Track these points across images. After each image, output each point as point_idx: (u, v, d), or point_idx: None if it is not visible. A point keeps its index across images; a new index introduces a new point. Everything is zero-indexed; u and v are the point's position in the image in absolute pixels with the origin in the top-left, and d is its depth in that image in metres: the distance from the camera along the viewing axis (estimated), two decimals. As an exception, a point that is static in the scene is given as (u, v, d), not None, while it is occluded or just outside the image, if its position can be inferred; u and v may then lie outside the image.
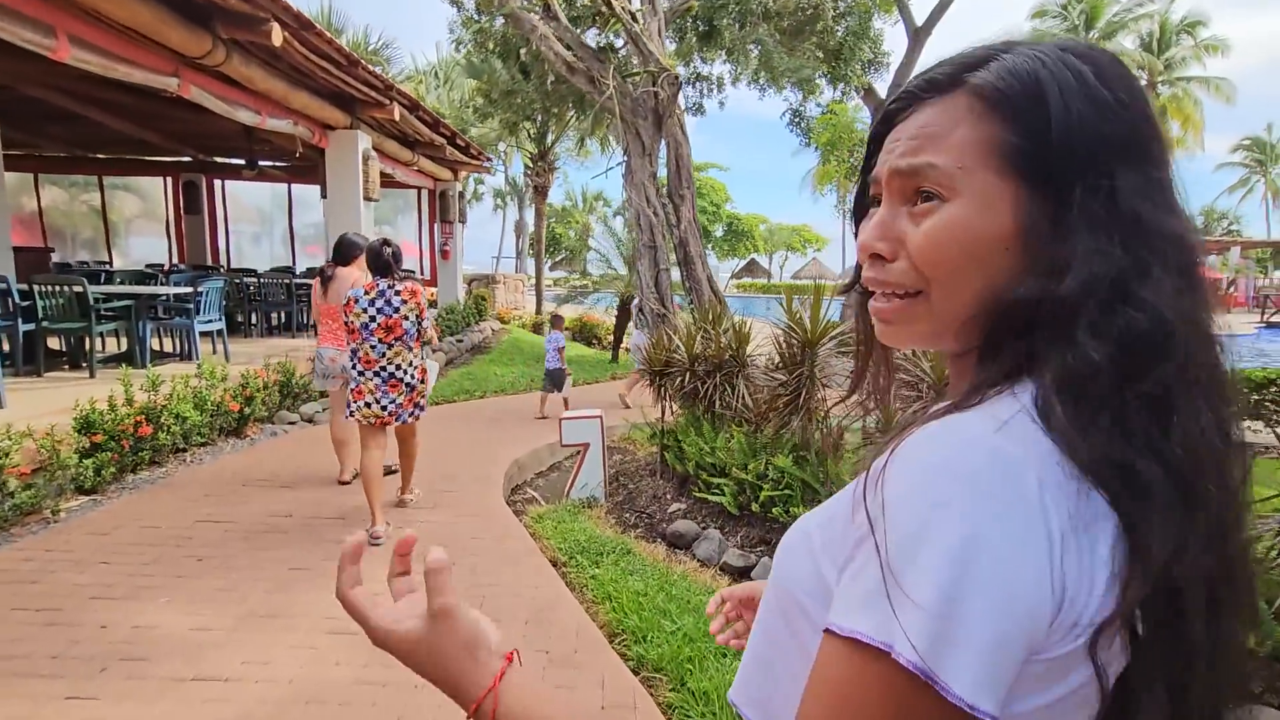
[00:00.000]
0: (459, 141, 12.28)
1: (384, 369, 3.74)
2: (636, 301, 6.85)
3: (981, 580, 0.39)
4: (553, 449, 6.18)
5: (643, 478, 5.34)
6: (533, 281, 21.39)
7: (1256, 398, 7.59)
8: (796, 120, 10.63)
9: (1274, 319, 22.83)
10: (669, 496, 4.95)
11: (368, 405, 3.74)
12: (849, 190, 10.72)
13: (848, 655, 0.42)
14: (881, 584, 0.41)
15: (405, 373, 3.82)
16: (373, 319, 3.65)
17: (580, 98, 15.31)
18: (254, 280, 9.42)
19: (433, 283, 14.40)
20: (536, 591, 3.15)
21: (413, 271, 14.27)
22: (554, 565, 3.68)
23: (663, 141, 6.89)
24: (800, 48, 9.90)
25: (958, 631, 0.38)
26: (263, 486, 4.41)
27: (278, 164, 12.38)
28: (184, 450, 4.99)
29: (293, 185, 13.62)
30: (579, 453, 4.97)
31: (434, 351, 4.87)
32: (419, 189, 13.95)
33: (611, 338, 14.52)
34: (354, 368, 3.77)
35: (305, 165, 12.16)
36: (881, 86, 12.42)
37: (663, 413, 5.13)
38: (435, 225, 13.87)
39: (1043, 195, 0.48)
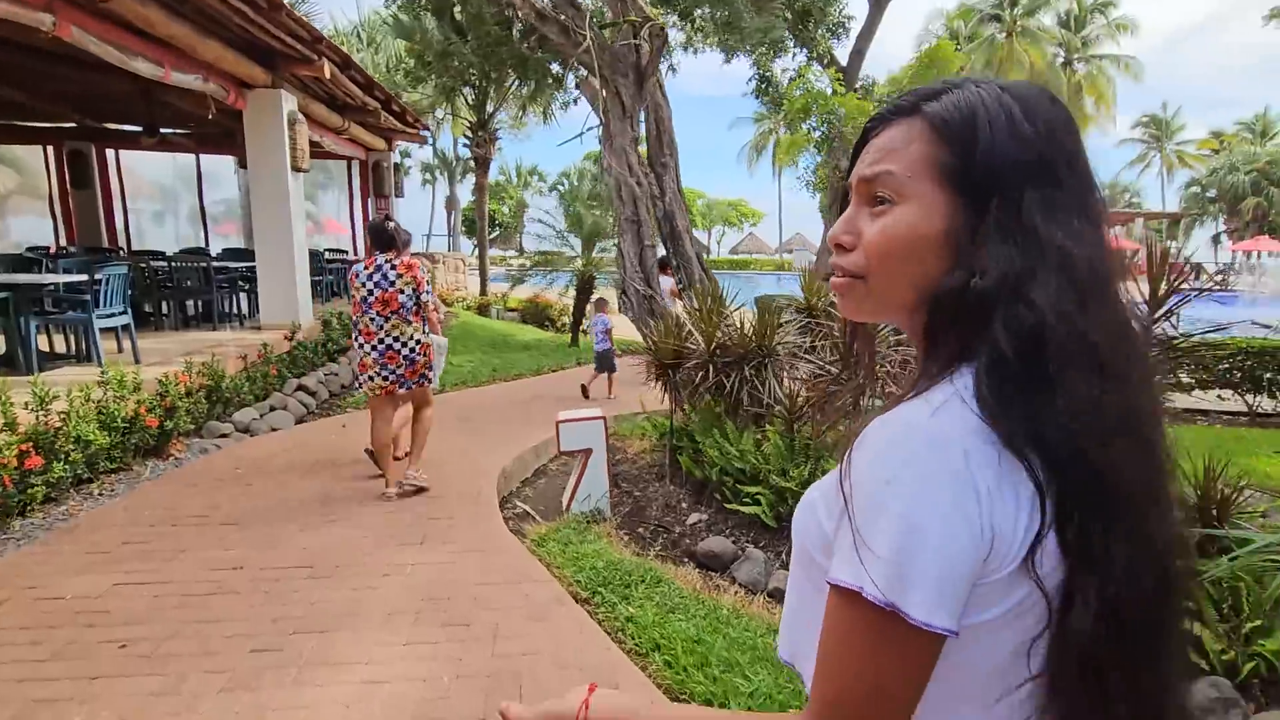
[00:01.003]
0: (394, 107, 11.13)
1: (382, 340, 3.88)
2: (619, 283, 6.17)
3: (923, 534, 0.53)
4: (538, 451, 5.48)
5: (648, 482, 4.74)
6: (473, 262, 20.26)
7: (1226, 365, 7.68)
8: (764, 87, 10.07)
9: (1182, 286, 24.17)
10: (684, 505, 4.37)
11: (370, 379, 3.95)
12: (822, 161, 10.28)
13: (837, 600, 0.57)
14: (855, 547, 0.55)
15: (403, 345, 3.92)
16: (370, 293, 3.82)
17: (523, 61, 14.26)
18: (164, 264, 8.15)
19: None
20: (583, 655, 2.51)
21: (346, 252, 13.02)
22: (575, 602, 3.05)
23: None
24: (768, 6, 9.30)
25: (909, 573, 0.52)
26: (198, 525, 3.54)
27: (182, 131, 10.87)
28: (90, 481, 4.02)
29: (201, 156, 12.06)
30: (580, 460, 4.31)
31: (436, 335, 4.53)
32: (349, 160, 12.66)
33: (569, 319, 13.77)
34: (356, 340, 3.93)
35: (217, 133, 10.74)
36: (842, 54, 12.01)
37: (672, 410, 4.52)
38: (369, 200, 12.65)
39: (968, 206, 0.60)
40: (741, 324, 4.05)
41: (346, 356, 7.75)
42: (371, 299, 3.84)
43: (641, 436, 5.57)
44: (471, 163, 40.71)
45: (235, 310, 8.54)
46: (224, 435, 5.20)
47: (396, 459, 4.35)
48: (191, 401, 4.93)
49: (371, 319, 3.85)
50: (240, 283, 8.74)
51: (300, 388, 6.54)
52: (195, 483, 4.18)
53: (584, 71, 6.77)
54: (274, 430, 5.61)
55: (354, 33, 19.00)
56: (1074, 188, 0.59)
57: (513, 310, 15.81)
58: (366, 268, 3.88)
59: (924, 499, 0.53)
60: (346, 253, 12.98)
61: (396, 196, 12.94)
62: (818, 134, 10.08)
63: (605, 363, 7.29)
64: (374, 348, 3.88)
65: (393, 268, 3.85)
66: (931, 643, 0.54)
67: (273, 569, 3.02)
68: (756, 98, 10.22)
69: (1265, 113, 43.90)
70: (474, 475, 4.55)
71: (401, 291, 3.85)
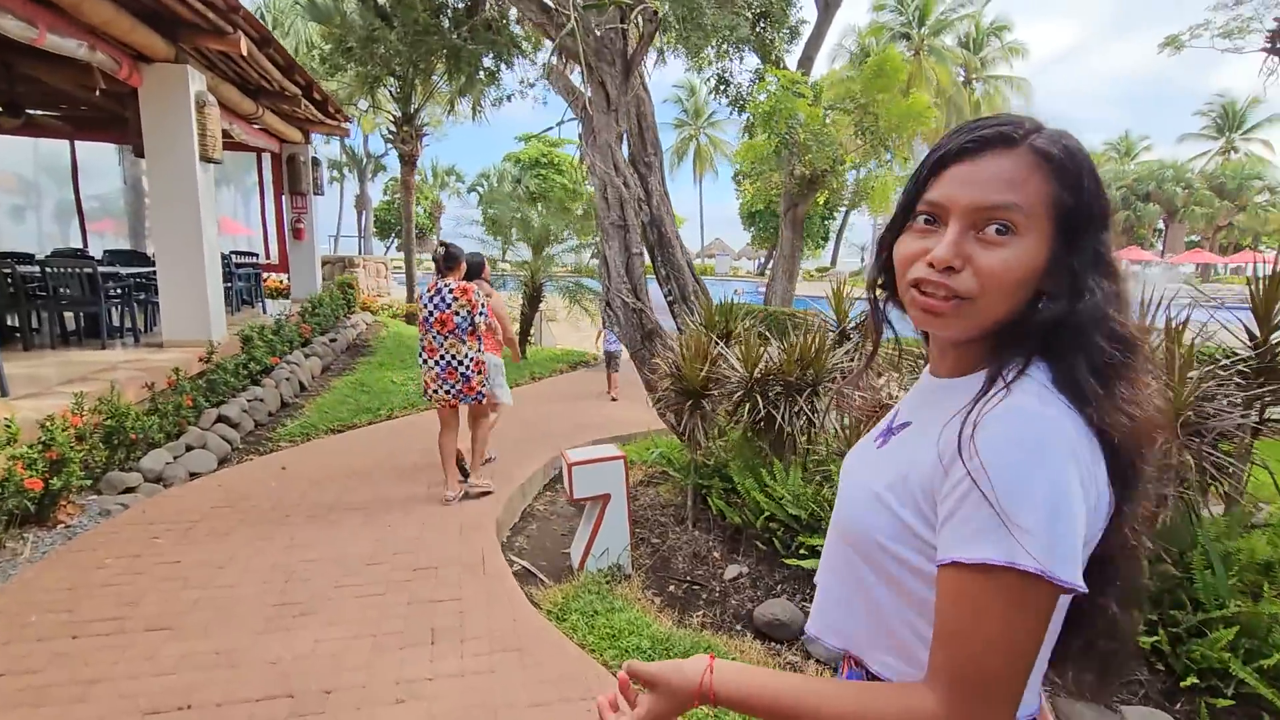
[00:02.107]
0: (316, 95, 9.98)
1: (442, 358, 4.24)
2: (604, 294, 5.52)
3: (1064, 507, 0.62)
4: (524, 489, 4.74)
5: (666, 526, 4.12)
6: (396, 265, 18.91)
7: None
8: (722, 87, 9.68)
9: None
10: (716, 555, 3.79)
11: (435, 392, 4.27)
12: (777, 167, 9.99)
13: (976, 576, 0.63)
14: (997, 522, 0.62)
15: (460, 363, 4.25)
16: (431, 314, 4.20)
17: (455, 52, 13.27)
18: (34, 269, 6.74)
19: (282, 267, 11.81)
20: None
21: (256, 255, 11.58)
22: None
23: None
24: (729, 5, 8.89)
25: (1057, 541, 0.61)
26: (110, 634, 2.61)
27: (53, 113, 9.24)
28: (-57, 569, 2.97)
29: (77, 142, 10.34)
30: (596, 508, 3.65)
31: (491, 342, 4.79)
32: (260, 152, 11.26)
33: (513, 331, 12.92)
34: (420, 356, 4.31)
35: (98, 116, 9.17)
36: (791, 60, 11.83)
37: (695, 445, 3.93)
38: (282, 197, 11.30)
39: (1060, 241, 0.70)
40: (791, 349, 3.52)
41: (271, 378, 6.66)
42: (432, 319, 4.21)
43: (648, 466, 4.95)
44: (382, 160, 38.55)
45: (128, 325, 7.20)
46: (130, 489, 4.14)
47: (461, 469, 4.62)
48: (86, 449, 3.87)
49: (434, 336, 4.24)
50: (136, 292, 7.40)
51: (221, 419, 5.47)
52: (99, 562, 3.19)
53: (555, 59, 6.08)
54: (194, 476, 4.58)
55: (256, 13, 17.23)
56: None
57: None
58: (429, 290, 4.26)
59: (1060, 477, 0.63)
60: (257, 256, 11.53)
61: (315, 194, 11.65)
62: (777, 139, 9.78)
63: (614, 362, 8.02)
64: (436, 363, 4.25)
65: (450, 291, 4.21)
66: (1056, 603, 0.65)
67: (234, 705, 2.18)
68: (715, 98, 9.79)
69: (1127, 135, 48.80)
70: (466, 531, 3.78)
71: (457, 314, 4.20)
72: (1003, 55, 39.25)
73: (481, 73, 15.22)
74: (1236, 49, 16.22)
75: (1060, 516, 0.61)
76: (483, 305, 4.28)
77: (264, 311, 9.96)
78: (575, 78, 6.00)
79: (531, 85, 15.92)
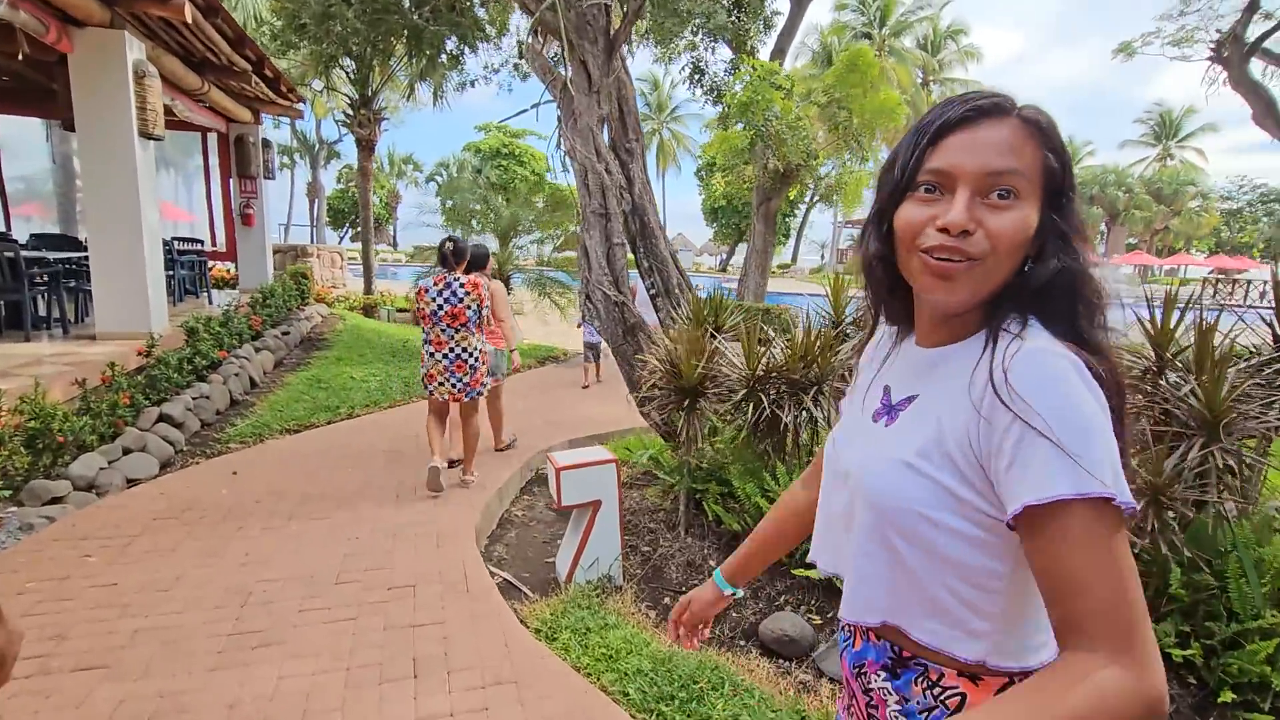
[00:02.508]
0: (267, 71, 9.39)
1: (451, 350, 4.26)
2: (583, 287, 5.24)
3: (1109, 436, 0.65)
4: (501, 494, 4.44)
5: (656, 532, 3.89)
6: (352, 256, 18.22)
7: None
8: (697, 76, 9.45)
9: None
10: (713, 564, 3.57)
11: (440, 385, 4.29)
12: (750, 159, 9.84)
13: (1058, 517, 0.64)
14: (1059, 455, 0.63)
15: (469, 355, 4.30)
16: (440, 307, 4.21)
17: (416, 33, 12.73)
18: (-55, 254, 6.06)
19: (229, 255, 11.14)
20: None
21: (201, 241, 10.88)
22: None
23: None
24: (705, -9, 8.68)
25: (1117, 468, 0.64)
26: (35, 675, 2.23)
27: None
28: None
29: (-2, 116, 9.49)
30: (585, 516, 3.39)
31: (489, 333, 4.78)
32: (205, 131, 10.57)
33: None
34: (427, 349, 4.31)
35: (18, 87, 8.41)
36: (763, 53, 11.68)
37: (688, 446, 3.70)
38: (229, 181, 10.62)
39: (1049, 206, 0.75)
40: (797, 346, 3.31)
41: (219, 373, 6.17)
42: (441, 313, 4.25)
43: (636, 468, 4.71)
44: (336, 147, 37.20)
45: (56, 315, 6.58)
46: (57, 499, 3.68)
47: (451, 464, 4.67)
48: (5, 454, 3.42)
49: (442, 330, 4.27)
50: (65, 279, 6.78)
51: (163, 419, 4.99)
52: (19, 586, 2.77)
53: (532, 38, 5.74)
54: (132, 484, 4.13)
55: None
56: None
57: (403, 311, 14.14)
58: (436, 284, 4.28)
59: (1097, 408, 0.66)
60: (202, 242, 10.82)
61: (266, 178, 11.00)
62: (752, 131, 9.62)
63: (597, 352, 8.27)
64: (444, 356, 4.28)
65: (461, 285, 4.28)
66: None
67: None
68: (689, 88, 9.56)
69: (1072, 140, 50.68)
70: (444, 541, 3.47)
71: (469, 307, 4.28)
72: (959, 58, 40.13)
73: (444, 56, 14.72)
74: (1185, 57, 16.79)
75: (1110, 443, 0.64)
76: (488, 299, 4.41)
77: (210, 302, 9.34)
78: (557, 66, 5.69)
79: (496, 71, 15.46)
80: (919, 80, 39.35)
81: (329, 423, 5.85)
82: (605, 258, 5.23)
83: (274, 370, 7.60)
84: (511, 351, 5.13)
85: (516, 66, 15.40)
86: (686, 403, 3.63)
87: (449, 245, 4.33)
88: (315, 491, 4.06)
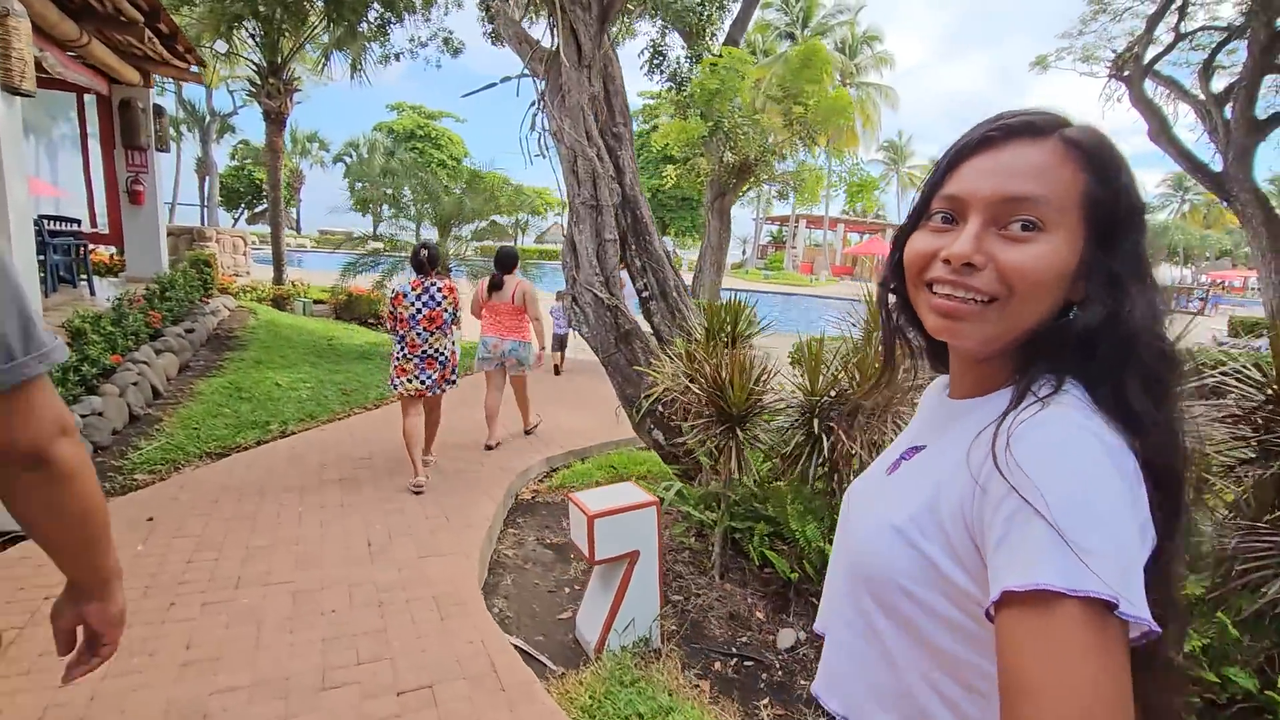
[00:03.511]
0: (162, 25, 8.07)
1: (424, 351, 4.37)
2: (569, 287, 4.62)
3: (1127, 529, 0.53)
4: (489, 534, 3.78)
5: (686, 578, 3.36)
6: (258, 240, 16.56)
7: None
8: (658, 61, 8.91)
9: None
10: (761, 616, 3.10)
11: (409, 381, 4.35)
12: (705, 153, 9.47)
13: (1036, 609, 0.51)
14: (1055, 539, 0.51)
15: (439, 354, 4.42)
16: (419, 311, 4.33)
17: (338, -4, 11.50)
18: None
19: (113, 239, 9.60)
20: None
21: (78, 222, 9.28)
22: None
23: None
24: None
25: (1129, 568, 0.52)
26: None
27: None
28: None
29: None
30: (621, 569, 2.82)
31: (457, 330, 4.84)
32: (82, 92, 9.02)
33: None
34: (400, 350, 4.37)
35: None
36: (715, 44, 11.32)
37: (727, 479, 3.20)
38: (114, 152, 9.13)
39: (1093, 240, 0.62)
40: (864, 362, 2.87)
41: (114, 382, 5.10)
42: (419, 316, 4.32)
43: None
44: (230, 120, 33.92)
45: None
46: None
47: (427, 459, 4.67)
48: None
49: (419, 333, 4.34)
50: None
51: (43, 447, 3.96)
52: None
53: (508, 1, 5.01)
54: (5, 540, 3.16)
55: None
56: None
57: (321, 303, 12.81)
58: (414, 288, 4.36)
59: (1117, 494, 0.54)
60: (79, 223, 9.23)
61: (159, 150, 9.56)
62: (712, 122, 9.22)
63: (561, 343, 8.55)
64: (417, 356, 4.35)
65: (439, 290, 4.40)
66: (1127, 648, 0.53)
67: None
68: (648, 73, 9.01)
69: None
70: (446, 607, 2.80)
71: (445, 310, 4.40)
72: (874, 63, 41.58)
73: (365, 24, 13.43)
74: (1092, 73, 17.89)
75: (1126, 538, 0.53)
76: (462, 302, 4.59)
77: (91, 293, 7.94)
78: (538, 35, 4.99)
79: (424, 44, 14.35)
80: (839, 82, 40.51)
81: (259, 443, 4.93)
82: (595, 255, 4.63)
83: (180, 376, 6.48)
84: (541, 350, 5.47)
85: (447, 41, 14.32)
86: (725, 429, 3.12)
87: (424, 253, 4.43)
88: (262, 542, 3.26)
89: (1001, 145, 0.63)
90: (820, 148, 10.76)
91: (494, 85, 5.36)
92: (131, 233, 9.27)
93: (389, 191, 10.95)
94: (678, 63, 8.80)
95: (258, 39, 12.43)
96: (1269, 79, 15.57)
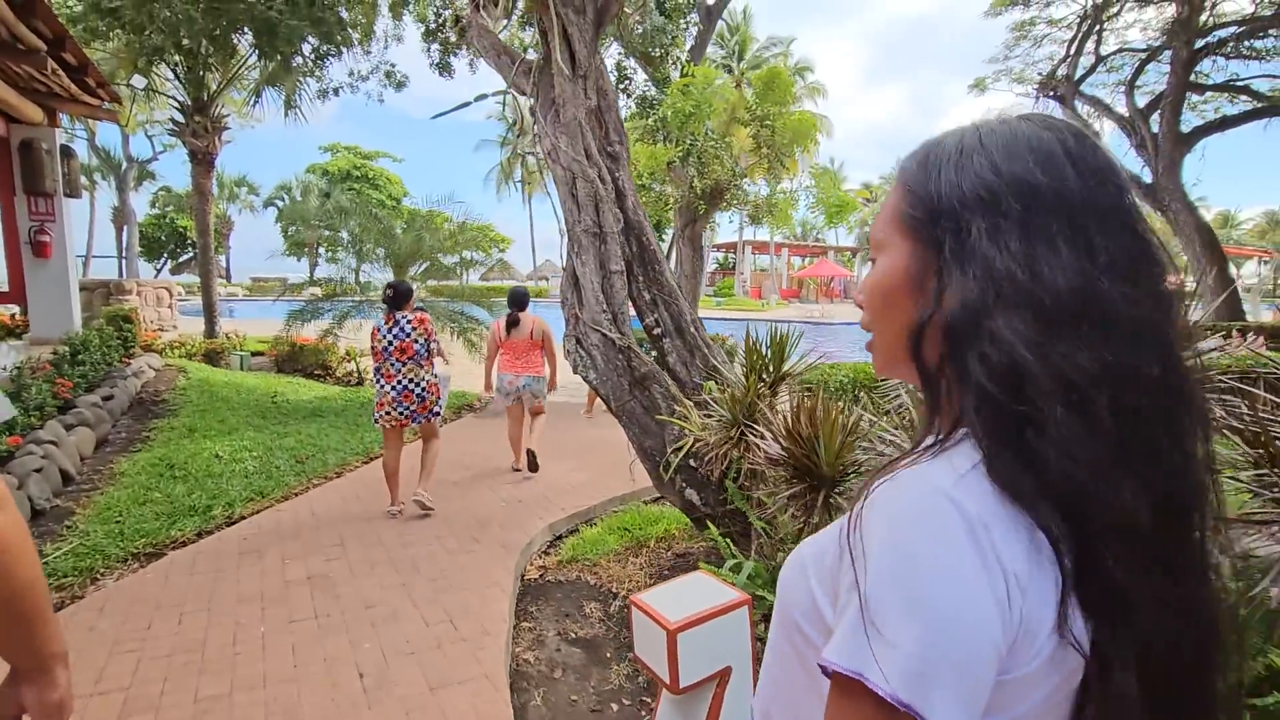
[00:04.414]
0: (69, 56, 7.21)
1: (400, 383, 4.49)
2: (572, 327, 4.00)
3: (952, 626, 0.44)
4: (510, 643, 3.05)
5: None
6: (185, 291, 15.34)
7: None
8: (623, 86, 8.50)
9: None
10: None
11: (387, 413, 4.49)
12: (675, 179, 9.09)
13: (838, 690, 0.48)
14: (860, 622, 0.47)
15: (416, 385, 4.52)
16: (390, 343, 4.47)
17: (269, 28, 10.73)
18: None
19: (14, 296, 8.44)
20: None
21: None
22: None
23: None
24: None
25: (934, 670, 0.44)
26: None
27: None
28: None
29: None
30: (709, 692, 2.17)
31: (445, 363, 5.38)
32: (-27, 133, 7.95)
33: (358, 365, 10.53)
34: (379, 384, 4.52)
35: None
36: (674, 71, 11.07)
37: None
38: (15, 199, 8.05)
39: (927, 248, 0.57)
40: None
41: (12, 472, 4.15)
42: (392, 348, 4.47)
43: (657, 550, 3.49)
44: (149, 167, 32.04)
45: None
46: None
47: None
48: None
49: (393, 364, 4.49)
50: None
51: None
52: None
53: (470, 8, 4.42)
54: None
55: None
56: (1040, 214, 0.53)
57: (259, 354, 11.69)
58: (386, 322, 4.51)
59: (954, 584, 0.45)
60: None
61: (69, 196, 8.52)
62: (683, 147, 8.84)
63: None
64: (394, 388, 4.48)
65: (408, 322, 4.52)
66: None
67: None
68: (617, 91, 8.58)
69: (881, 182, 56.39)
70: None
71: (416, 341, 4.51)
72: (808, 93, 42.90)
73: (300, 58, 12.64)
74: (1028, 93, 18.61)
75: (946, 638, 0.45)
76: (435, 334, 4.72)
77: (-14, 361, 6.82)
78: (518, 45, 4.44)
79: (364, 79, 13.63)
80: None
81: (200, 534, 4.05)
82: (601, 289, 4.04)
83: (97, 454, 5.49)
84: (553, 388, 5.82)
85: (389, 74, 13.66)
86: (811, 491, 2.53)
87: (389, 291, 4.58)
88: (216, 690, 2.45)
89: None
90: (788, 172, 10.52)
91: (468, 105, 4.78)
92: (36, 289, 8.16)
93: (328, 234, 10.12)
94: (645, 86, 8.40)
95: (181, 74, 11.49)
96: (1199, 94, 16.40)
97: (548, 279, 50.25)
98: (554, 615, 3.49)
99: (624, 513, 4.80)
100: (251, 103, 13.83)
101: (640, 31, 7.79)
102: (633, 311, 4.29)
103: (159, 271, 36.94)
